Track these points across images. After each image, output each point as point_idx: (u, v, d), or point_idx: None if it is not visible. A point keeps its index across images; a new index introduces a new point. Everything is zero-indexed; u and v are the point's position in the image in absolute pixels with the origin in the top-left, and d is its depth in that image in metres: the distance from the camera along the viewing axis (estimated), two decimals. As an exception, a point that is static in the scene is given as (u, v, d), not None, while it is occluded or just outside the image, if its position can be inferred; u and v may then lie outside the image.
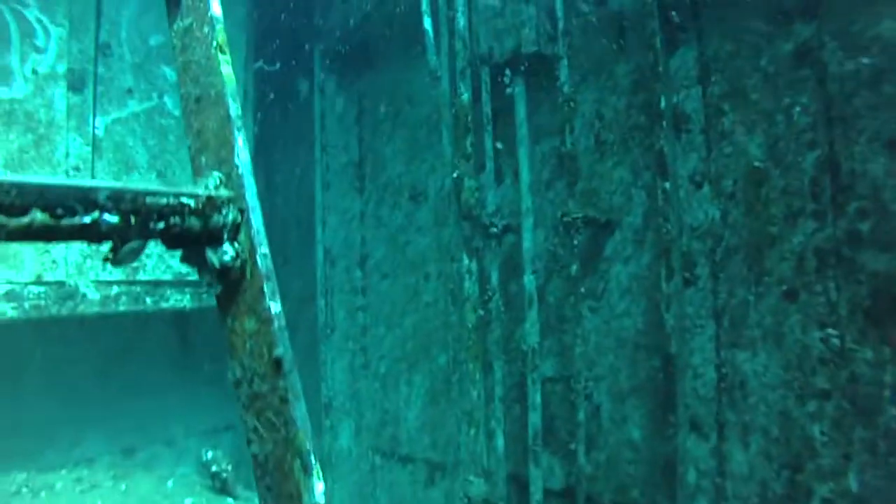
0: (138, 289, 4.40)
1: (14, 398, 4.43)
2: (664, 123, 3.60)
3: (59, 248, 4.05)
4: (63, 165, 4.03)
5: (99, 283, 4.22)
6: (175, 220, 1.32)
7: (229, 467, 3.84)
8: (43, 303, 3.97)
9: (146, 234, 1.29)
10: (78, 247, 4.14)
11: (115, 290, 4.28)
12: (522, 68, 4.02)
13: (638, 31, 3.78)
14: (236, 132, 1.45)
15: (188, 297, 4.69)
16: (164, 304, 4.53)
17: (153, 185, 1.33)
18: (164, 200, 1.30)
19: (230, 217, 1.41)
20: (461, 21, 4.04)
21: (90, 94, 4.08)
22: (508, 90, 4.11)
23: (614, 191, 3.95)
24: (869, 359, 3.11)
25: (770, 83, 3.40)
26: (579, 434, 3.97)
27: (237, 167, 1.44)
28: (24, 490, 4.43)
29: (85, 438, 5.05)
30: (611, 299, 4.00)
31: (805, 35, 3.29)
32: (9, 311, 3.83)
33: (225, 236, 1.41)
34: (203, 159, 1.51)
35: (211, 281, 1.44)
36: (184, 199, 1.33)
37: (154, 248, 4.49)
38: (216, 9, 1.51)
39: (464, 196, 4.07)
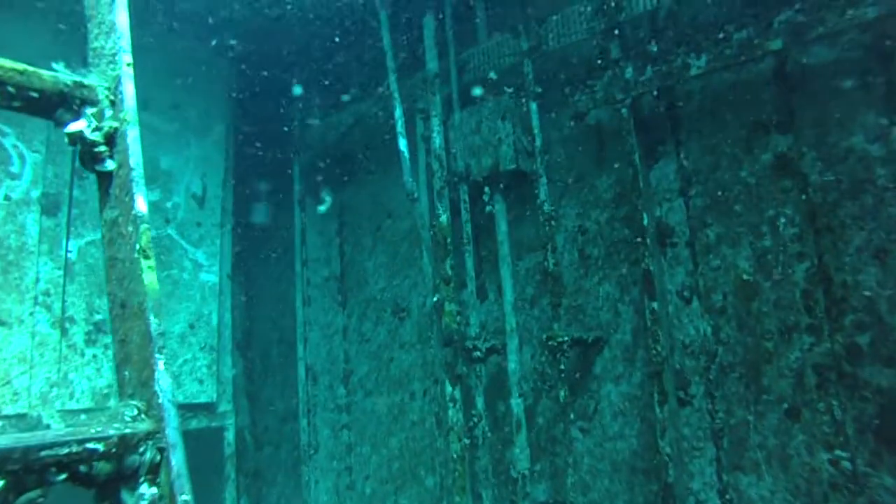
0: (107, 417, 4.17)
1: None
2: (648, 238, 3.51)
3: (22, 379, 3.87)
4: (32, 291, 3.90)
5: (65, 413, 4.00)
6: (81, 468, 1.19)
7: None
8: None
9: (46, 485, 1.15)
10: (44, 375, 3.96)
11: (83, 417, 4.06)
12: (501, 185, 3.98)
13: (617, 145, 3.76)
14: (157, 354, 1.35)
15: (161, 423, 4.45)
16: (134, 433, 4.28)
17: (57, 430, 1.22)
18: (64, 451, 1.17)
19: (147, 457, 1.29)
20: (437, 140, 4.03)
21: (64, 217, 4.02)
22: (488, 207, 4.05)
23: (601, 307, 3.81)
24: (889, 486, 2.88)
25: (752, 194, 3.34)
26: (577, 568, 3.67)
27: (157, 395, 1.33)
28: None
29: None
30: (603, 420, 3.79)
31: (783, 146, 3.25)
32: (-36, 447, 3.60)
33: (142, 477, 1.28)
34: (126, 374, 1.41)
35: None
36: (91, 445, 1.21)
37: (125, 373, 4.30)
38: (141, 206, 1.42)
39: (445, 321, 3.93)
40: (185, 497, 1.24)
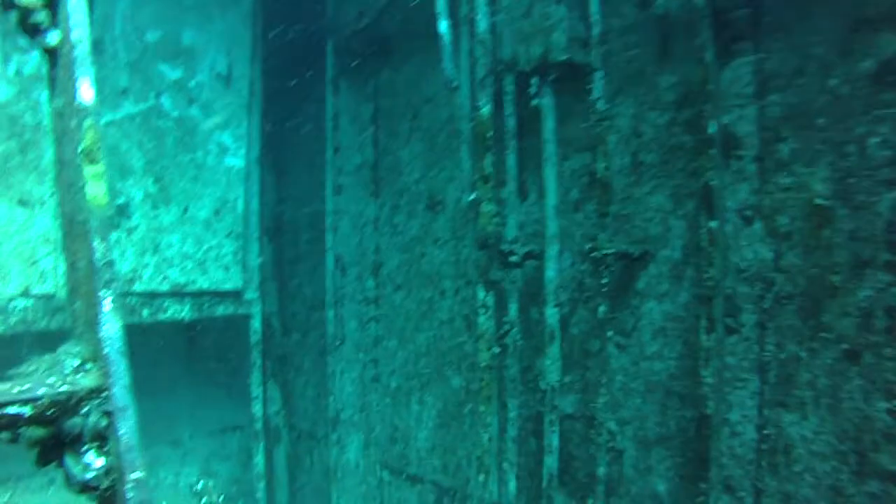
0: (134, 301, 4.13)
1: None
2: (711, 147, 3.13)
3: (47, 259, 3.79)
4: (51, 172, 3.73)
5: (90, 296, 3.95)
6: (2, 435, 0.96)
7: (220, 499, 3.58)
8: (30, 316, 3.73)
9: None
10: (67, 257, 3.87)
11: (108, 302, 4.01)
12: (551, 77, 3.56)
13: (686, 39, 3.28)
14: (102, 290, 1.07)
15: (188, 307, 4.42)
16: (161, 316, 4.27)
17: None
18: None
19: (91, 420, 1.04)
20: (482, 23, 3.57)
21: (79, 94, 3.76)
22: (535, 101, 3.66)
23: (651, 219, 3.50)
24: (949, 443, 2.65)
25: (841, 107, 2.90)
26: (599, 479, 3.61)
27: (102, 343, 1.06)
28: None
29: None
30: (641, 338, 3.58)
31: (890, 51, 2.77)
32: (-6, 324, 3.62)
33: (86, 444, 1.04)
34: (77, 306, 1.15)
35: (79, 492, 1.07)
36: (12, 410, 0.97)
37: (150, 258, 4.21)
38: (85, 94, 1.10)
39: (481, 222, 3.65)
40: (137, 475, 1.03)
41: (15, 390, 0.99)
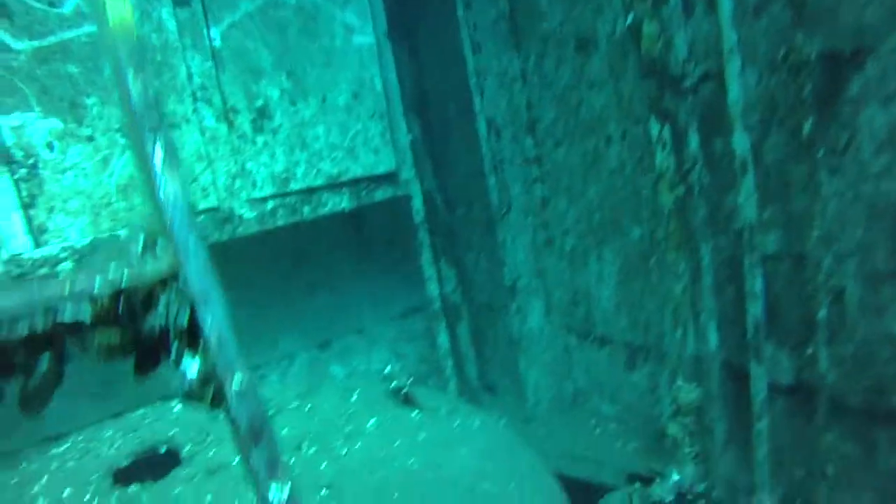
0: (293, 199, 4.13)
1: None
2: None
3: (205, 175, 3.84)
4: (188, 88, 3.70)
5: (253, 202, 4.00)
6: (63, 347, 0.76)
7: (409, 381, 3.61)
8: (203, 232, 3.85)
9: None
10: (224, 168, 3.90)
11: (270, 205, 4.05)
12: None
13: None
14: (149, 134, 0.78)
15: (346, 197, 4.36)
16: (322, 210, 4.26)
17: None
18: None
19: (171, 315, 0.81)
20: None
21: (198, 3, 3.62)
22: None
23: (866, 3, 2.76)
24: None
25: None
26: (818, 324, 3.16)
27: (163, 211, 0.79)
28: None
29: (282, 339, 5.20)
30: (860, 155, 2.95)
31: None
32: (176, 243, 3.77)
33: (174, 342, 0.82)
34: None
35: (188, 402, 0.87)
36: (69, 313, 0.74)
37: (300, 154, 4.15)
38: None
39: (644, 45, 3.11)
40: (238, 378, 0.81)
41: (66, 286, 0.78)
